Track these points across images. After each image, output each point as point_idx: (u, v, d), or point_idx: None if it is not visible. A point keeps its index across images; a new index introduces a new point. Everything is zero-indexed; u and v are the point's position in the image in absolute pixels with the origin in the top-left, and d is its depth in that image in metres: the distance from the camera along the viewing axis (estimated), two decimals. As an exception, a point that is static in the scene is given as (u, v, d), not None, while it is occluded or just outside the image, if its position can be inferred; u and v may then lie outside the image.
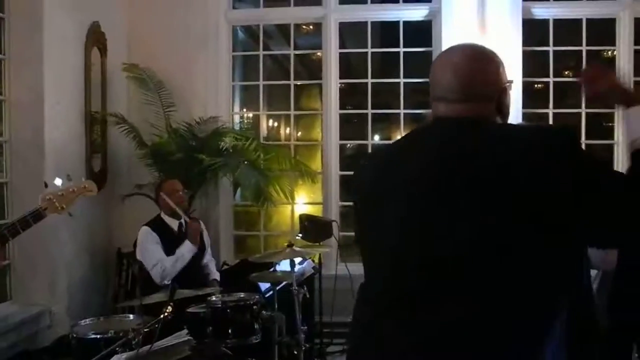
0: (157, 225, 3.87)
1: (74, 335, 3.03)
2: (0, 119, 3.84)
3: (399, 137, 5.04)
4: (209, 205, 4.84)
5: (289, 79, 5.06)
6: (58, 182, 2.32)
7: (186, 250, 3.77)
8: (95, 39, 4.32)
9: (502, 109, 1.43)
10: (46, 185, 2.33)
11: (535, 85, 5.06)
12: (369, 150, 5.02)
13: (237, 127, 5.17)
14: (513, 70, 4.51)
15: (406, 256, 1.33)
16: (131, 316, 3.38)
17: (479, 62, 1.42)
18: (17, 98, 3.81)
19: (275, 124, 6.92)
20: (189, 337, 2.34)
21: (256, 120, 6.24)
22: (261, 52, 5.05)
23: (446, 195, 1.29)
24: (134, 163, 4.63)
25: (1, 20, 3.76)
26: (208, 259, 4.15)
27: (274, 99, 6.15)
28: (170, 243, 3.82)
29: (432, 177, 1.32)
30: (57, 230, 3.96)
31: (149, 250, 3.77)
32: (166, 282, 3.67)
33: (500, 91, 1.42)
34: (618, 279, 2.74)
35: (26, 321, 3.73)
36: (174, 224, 3.92)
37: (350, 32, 5.50)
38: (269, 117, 6.41)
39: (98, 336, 2.82)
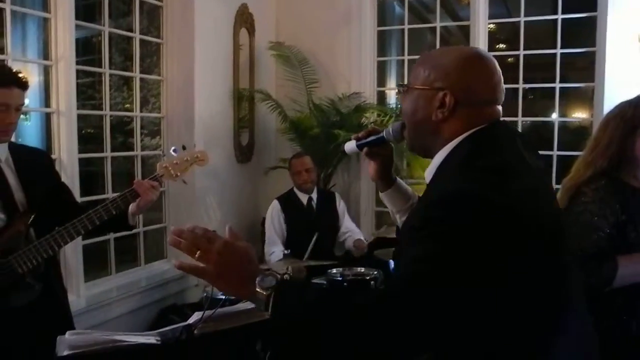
0: (287, 198, 4.14)
1: (205, 294, 3.37)
2: (160, 98, 4.27)
3: (554, 115, 4.68)
4: (350, 180, 4.92)
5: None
6: (175, 151, 2.43)
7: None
8: (244, 20, 4.54)
9: None
10: (163, 155, 2.48)
11: None
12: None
13: (392, 103, 5.09)
14: None
15: None
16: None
17: None
18: (172, 78, 4.17)
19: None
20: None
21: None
22: (406, 26, 4.93)
23: None
24: (279, 138, 4.86)
25: (160, 8, 4.14)
26: (348, 226, 4.27)
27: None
28: (298, 215, 4.09)
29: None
30: (206, 198, 4.34)
31: (269, 229, 4.12)
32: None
33: None
34: None
35: (177, 278, 4.12)
36: (304, 198, 4.14)
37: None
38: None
39: (224, 297, 3.08)
